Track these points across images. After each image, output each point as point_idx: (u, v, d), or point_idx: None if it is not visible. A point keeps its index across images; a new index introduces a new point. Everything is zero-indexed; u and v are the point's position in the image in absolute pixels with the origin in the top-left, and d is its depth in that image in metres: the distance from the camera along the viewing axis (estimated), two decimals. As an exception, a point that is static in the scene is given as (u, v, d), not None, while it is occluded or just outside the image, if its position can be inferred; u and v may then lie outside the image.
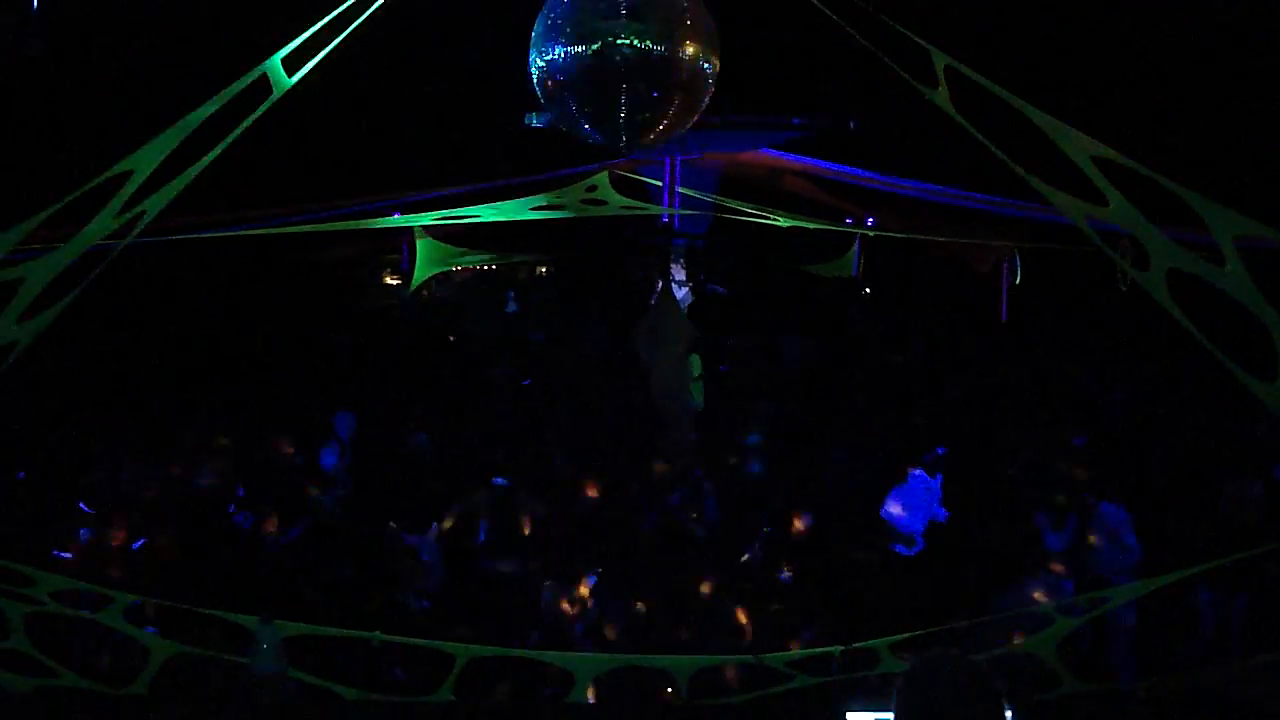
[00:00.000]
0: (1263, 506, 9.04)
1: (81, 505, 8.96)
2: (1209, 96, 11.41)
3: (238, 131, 6.31)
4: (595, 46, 6.27)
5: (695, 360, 14.48)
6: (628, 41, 6.25)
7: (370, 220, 14.08)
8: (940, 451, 10.79)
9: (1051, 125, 6.21)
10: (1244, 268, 6.05)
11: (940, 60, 6.17)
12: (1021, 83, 6.34)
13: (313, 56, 6.31)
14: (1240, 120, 11.24)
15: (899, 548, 10.27)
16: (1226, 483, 9.43)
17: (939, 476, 10.48)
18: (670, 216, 15.62)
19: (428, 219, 14.84)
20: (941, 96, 6.21)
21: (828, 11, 6.33)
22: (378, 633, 6.94)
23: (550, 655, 6.94)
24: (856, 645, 6.62)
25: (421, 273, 18.63)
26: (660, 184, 15.44)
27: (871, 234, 17.05)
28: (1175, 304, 6.25)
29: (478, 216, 13.72)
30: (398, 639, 6.96)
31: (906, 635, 6.54)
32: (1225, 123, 11.36)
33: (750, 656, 6.80)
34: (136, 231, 6.41)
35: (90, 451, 10.61)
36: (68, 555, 8.23)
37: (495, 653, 6.86)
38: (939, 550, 10.25)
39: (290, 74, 6.34)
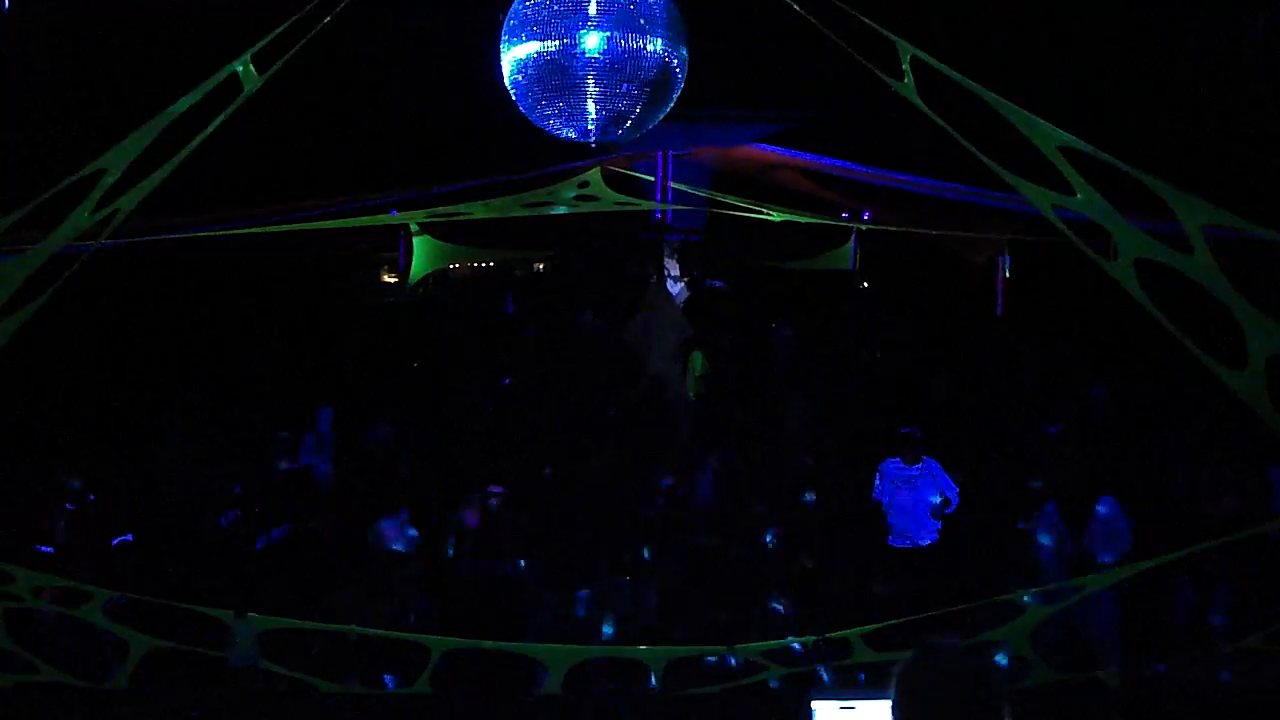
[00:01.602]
0: (1232, 493, 9.00)
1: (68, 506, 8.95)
2: (1175, 86, 11.35)
3: (209, 129, 6.34)
4: (562, 43, 6.30)
5: (698, 357, 14.40)
6: (594, 37, 6.27)
7: (365, 218, 14.14)
8: (906, 430, 10.24)
9: (1019, 116, 6.23)
10: (1212, 256, 6.06)
11: (906, 52, 6.19)
12: (989, 74, 6.35)
13: (283, 54, 6.33)
14: (1207, 109, 11.19)
15: (895, 540, 9.94)
16: (1199, 472, 9.39)
17: (927, 461, 9.95)
18: (663, 212, 15.64)
19: (421, 216, 14.88)
20: (907, 88, 6.23)
21: (795, 6, 6.35)
22: (353, 626, 7.00)
23: (524, 647, 6.97)
24: (829, 635, 6.63)
25: (419, 270, 18.71)
26: (653, 179, 15.49)
27: (864, 228, 17.04)
28: (1145, 293, 6.27)
29: (471, 213, 13.76)
30: (373, 632, 7.00)
31: (877, 626, 6.56)
32: (1192, 112, 11.31)
33: (724, 647, 6.83)
34: (110, 230, 6.45)
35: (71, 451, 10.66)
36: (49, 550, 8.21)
37: (470, 645, 6.91)
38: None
39: (261, 72, 6.37)
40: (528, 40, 6.40)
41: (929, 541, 9.61)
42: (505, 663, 7.02)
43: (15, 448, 10.00)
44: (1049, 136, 6.22)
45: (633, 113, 6.59)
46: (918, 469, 9.58)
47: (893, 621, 6.52)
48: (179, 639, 6.86)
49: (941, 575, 9.51)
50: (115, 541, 8.51)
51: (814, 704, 5.30)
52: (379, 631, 6.97)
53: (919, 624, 6.78)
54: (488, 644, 6.85)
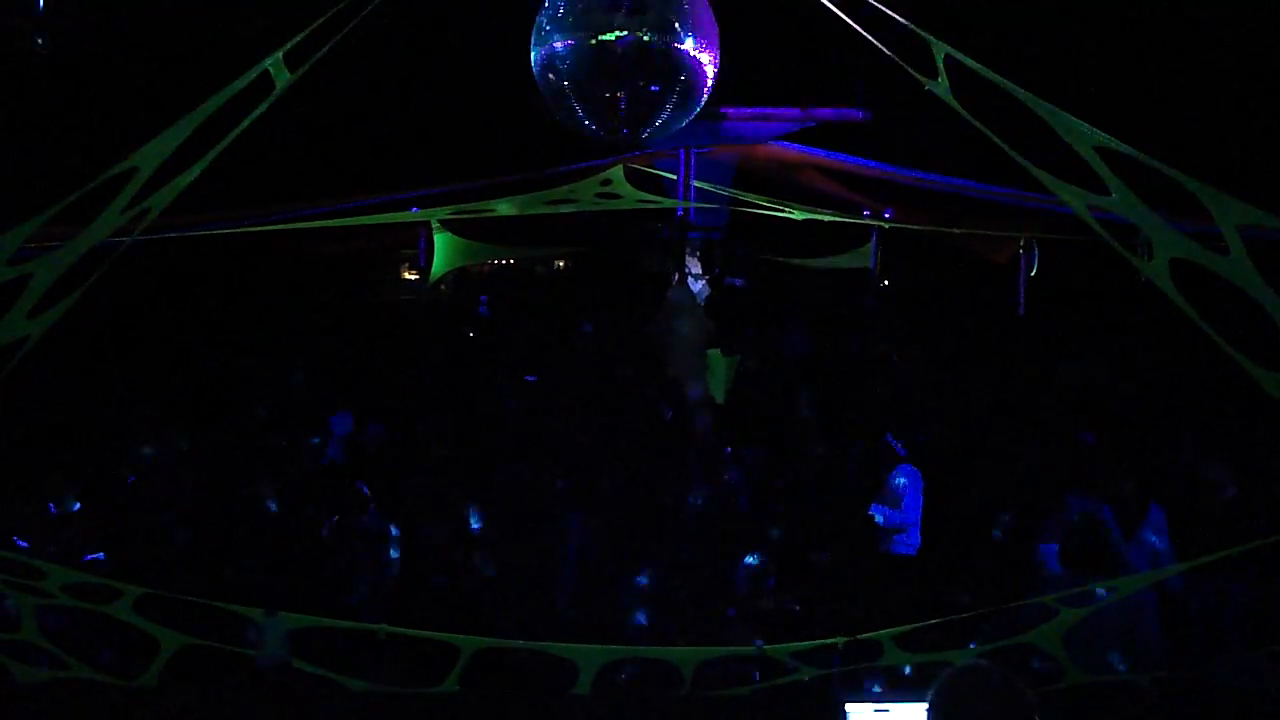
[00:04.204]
0: (1231, 487, 8.90)
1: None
2: (1212, 84, 11.26)
3: (241, 127, 6.36)
4: (594, 39, 6.29)
5: (717, 357, 14.29)
6: (626, 34, 6.26)
7: (387, 214, 14.18)
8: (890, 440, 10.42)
9: (1053, 115, 6.17)
10: (1248, 256, 6.00)
11: (940, 51, 6.15)
12: (1023, 72, 6.31)
13: (314, 53, 6.33)
14: (1244, 107, 11.09)
15: (896, 547, 9.99)
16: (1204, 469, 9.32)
17: (906, 469, 10.03)
18: (685, 210, 15.60)
19: (443, 213, 14.89)
20: (941, 87, 6.19)
21: (828, 3, 6.33)
22: (383, 625, 7.00)
23: (554, 646, 6.95)
24: (860, 636, 6.61)
25: (440, 267, 18.69)
26: (675, 177, 15.45)
27: (887, 226, 16.95)
28: (1180, 293, 6.22)
29: (493, 211, 13.77)
30: (403, 630, 7.00)
31: (910, 627, 6.52)
32: (1229, 110, 11.21)
33: (754, 648, 6.80)
34: (142, 227, 6.47)
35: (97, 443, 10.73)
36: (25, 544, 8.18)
37: (500, 644, 6.90)
38: (949, 545, 10.12)
39: (292, 70, 6.36)
40: (558, 37, 6.40)
41: (902, 551, 9.76)
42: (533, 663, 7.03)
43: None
44: (1084, 136, 6.16)
45: (663, 111, 6.59)
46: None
47: (928, 623, 6.48)
48: (209, 636, 6.88)
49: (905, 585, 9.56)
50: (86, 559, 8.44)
51: (848, 706, 5.30)
52: (408, 630, 6.97)
53: (947, 626, 6.78)
54: (518, 643, 6.85)
